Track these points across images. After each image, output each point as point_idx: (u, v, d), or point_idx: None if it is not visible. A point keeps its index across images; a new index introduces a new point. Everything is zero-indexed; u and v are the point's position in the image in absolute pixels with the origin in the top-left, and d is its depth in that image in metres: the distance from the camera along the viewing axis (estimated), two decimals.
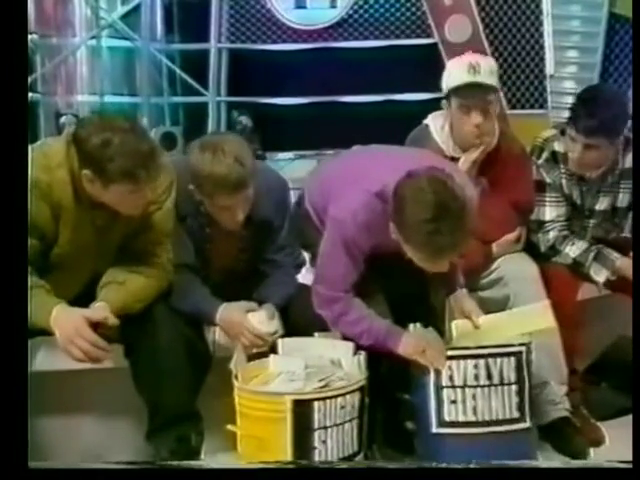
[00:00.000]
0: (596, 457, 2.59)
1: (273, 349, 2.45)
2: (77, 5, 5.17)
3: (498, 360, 2.38)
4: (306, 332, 2.47)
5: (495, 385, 2.38)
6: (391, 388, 2.60)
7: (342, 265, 2.37)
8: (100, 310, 2.24)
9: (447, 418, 2.38)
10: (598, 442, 2.68)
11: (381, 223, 2.28)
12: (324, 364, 2.40)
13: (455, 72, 2.79)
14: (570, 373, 2.78)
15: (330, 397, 2.25)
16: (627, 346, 2.80)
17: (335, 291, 2.39)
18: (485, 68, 2.76)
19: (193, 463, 2.29)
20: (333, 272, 2.40)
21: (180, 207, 2.48)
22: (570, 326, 2.72)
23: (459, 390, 2.37)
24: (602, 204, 2.95)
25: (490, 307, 2.78)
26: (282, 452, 2.22)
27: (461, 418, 2.37)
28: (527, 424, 2.42)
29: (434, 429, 2.39)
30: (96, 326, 2.21)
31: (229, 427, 2.34)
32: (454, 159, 2.80)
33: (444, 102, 2.83)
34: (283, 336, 2.46)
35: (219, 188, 2.37)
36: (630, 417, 2.66)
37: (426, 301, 2.62)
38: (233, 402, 2.33)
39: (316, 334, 2.47)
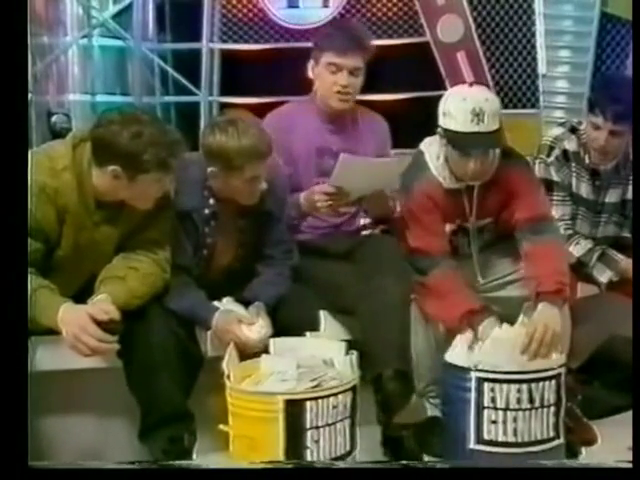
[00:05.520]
0: (588, 456, 2.59)
1: (265, 349, 2.44)
2: (68, 4, 5.14)
3: (540, 384, 2.40)
4: (298, 332, 2.47)
5: (536, 408, 2.41)
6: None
7: None
8: (103, 306, 2.25)
9: (486, 437, 2.42)
10: (590, 441, 2.68)
11: None
12: (316, 364, 2.40)
13: (456, 115, 2.52)
14: None
15: (322, 397, 2.25)
16: (619, 345, 2.80)
17: None
18: (489, 113, 2.49)
19: (185, 463, 2.29)
20: None
21: (185, 202, 2.50)
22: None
23: (500, 412, 2.40)
24: (612, 197, 2.94)
25: (506, 306, 2.74)
26: (274, 452, 2.22)
27: (501, 438, 2.41)
28: (561, 440, 2.46)
29: (472, 445, 2.43)
30: (100, 321, 2.22)
31: (221, 427, 2.33)
32: (450, 191, 2.67)
33: (439, 130, 2.60)
34: (275, 336, 2.46)
35: (250, 158, 2.42)
36: (622, 416, 2.67)
37: None
38: (225, 402, 2.33)
39: (308, 334, 2.47)
